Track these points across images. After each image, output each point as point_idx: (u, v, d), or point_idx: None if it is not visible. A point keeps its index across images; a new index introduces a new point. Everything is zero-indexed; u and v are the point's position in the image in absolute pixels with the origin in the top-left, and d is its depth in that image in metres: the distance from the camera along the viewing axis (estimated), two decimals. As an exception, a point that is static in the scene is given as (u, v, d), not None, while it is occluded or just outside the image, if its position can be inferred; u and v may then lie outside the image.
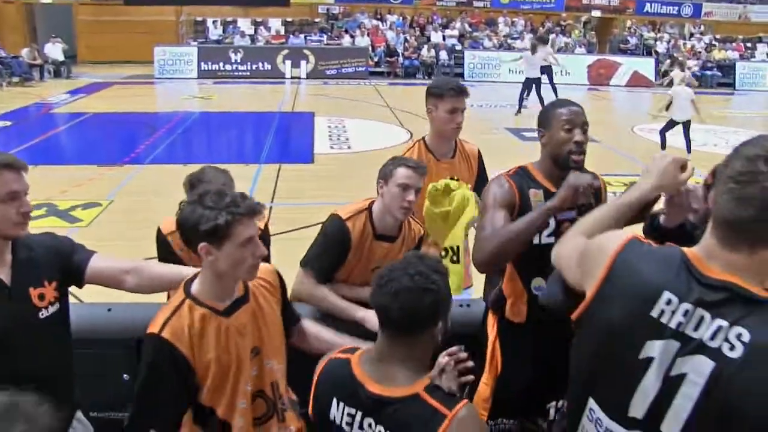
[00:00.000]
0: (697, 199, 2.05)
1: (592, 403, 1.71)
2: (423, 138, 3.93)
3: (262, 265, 2.38)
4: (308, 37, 26.11)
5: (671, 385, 1.54)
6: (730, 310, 1.49)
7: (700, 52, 28.33)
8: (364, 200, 3.38)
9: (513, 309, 2.91)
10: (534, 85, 18.03)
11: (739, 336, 1.47)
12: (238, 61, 24.06)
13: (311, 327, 2.71)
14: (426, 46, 25.75)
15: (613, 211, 2.08)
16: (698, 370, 1.50)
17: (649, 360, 1.57)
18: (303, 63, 24.25)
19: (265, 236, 3.46)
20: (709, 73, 27.38)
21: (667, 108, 13.05)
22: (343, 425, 1.95)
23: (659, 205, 2.20)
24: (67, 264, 2.51)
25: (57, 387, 2.39)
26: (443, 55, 25.88)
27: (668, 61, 24.11)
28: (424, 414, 1.83)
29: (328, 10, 28.48)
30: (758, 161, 1.46)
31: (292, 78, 23.94)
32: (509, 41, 27.31)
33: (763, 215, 1.46)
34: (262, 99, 19.52)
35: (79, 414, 2.67)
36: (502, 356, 2.94)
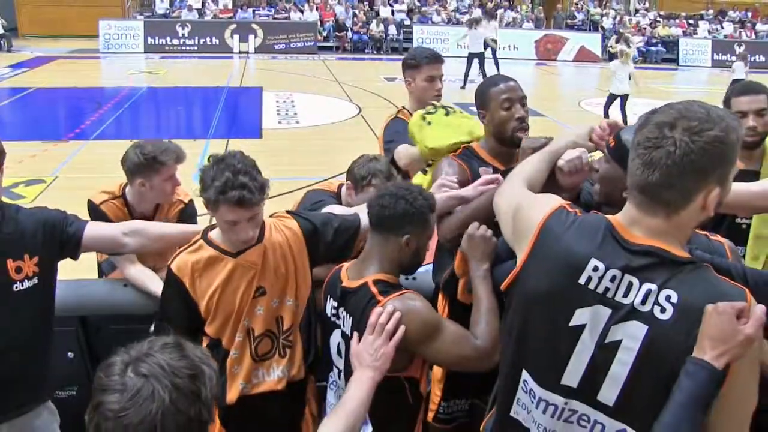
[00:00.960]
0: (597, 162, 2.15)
1: (525, 374, 1.73)
2: (403, 107, 3.92)
3: (286, 217, 2.66)
4: (256, 12, 25.89)
5: (606, 352, 1.57)
6: (656, 273, 1.54)
7: (645, 29, 28.80)
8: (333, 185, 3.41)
9: (464, 290, 2.84)
10: (477, 60, 18.16)
11: (668, 298, 1.51)
12: (186, 35, 23.71)
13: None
14: (375, 21, 25.71)
15: (546, 162, 2.18)
16: (632, 335, 1.54)
17: (581, 327, 1.60)
18: (251, 38, 24.01)
19: (191, 211, 3.50)
20: (653, 48, 27.95)
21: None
22: (330, 316, 2.38)
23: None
24: (61, 236, 2.55)
25: (27, 363, 2.48)
26: (392, 29, 25.87)
27: (614, 36, 24.44)
28: (366, 298, 2.19)
29: (276, -17, 28.13)
30: (664, 128, 1.51)
31: (240, 53, 23.72)
32: (458, 16, 27.37)
33: (669, 180, 1.50)
34: (210, 74, 19.25)
35: (50, 402, 2.69)
36: None
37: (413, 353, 2.22)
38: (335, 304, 2.34)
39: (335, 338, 2.36)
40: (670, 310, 1.51)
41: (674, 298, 1.51)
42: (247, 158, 2.40)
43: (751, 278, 1.71)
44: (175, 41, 23.61)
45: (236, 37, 23.89)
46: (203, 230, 2.58)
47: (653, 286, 1.53)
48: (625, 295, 1.56)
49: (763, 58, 27.69)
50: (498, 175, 2.57)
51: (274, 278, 2.55)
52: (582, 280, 1.60)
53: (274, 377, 2.60)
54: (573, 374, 1.62)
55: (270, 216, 2.69)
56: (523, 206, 1.85)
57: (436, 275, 3.04)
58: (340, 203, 3.20)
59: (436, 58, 3.82)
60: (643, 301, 1.54)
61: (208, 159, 2.43)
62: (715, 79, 19.51)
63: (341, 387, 2.34)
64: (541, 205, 1.77)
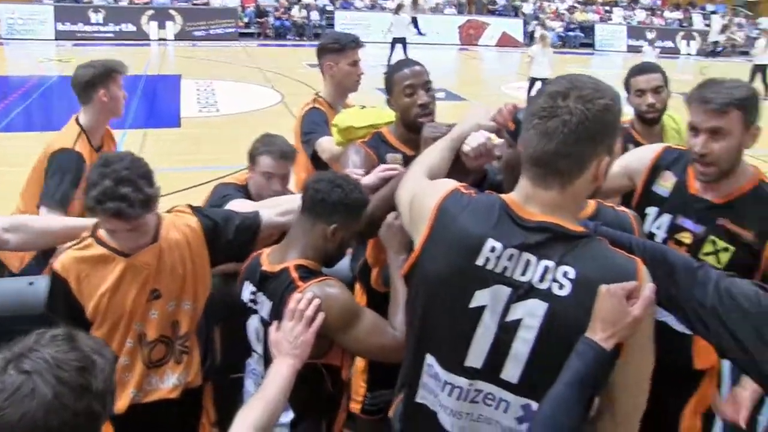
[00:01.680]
0: (499, 147, 2.19)
1: (429, 358, 1.73)
2: (317, 94, 3.87)
3: (185, 213, 2.50)
4: (174, -3, 25.22)
5: (508, 331, 1.59)
6: (553, 250, 1.57)
7: (563, 14, 29.41)
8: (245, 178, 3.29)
9: (378, 278, 2.84)
10: (401, 45, 18.24)
11: (565, 274, 1.55)
12: (100, 21, 22.98)
13: (271, 217, 2.65)
14: (297, 6, 25.50)
15: (449, 149, 2.17)
16: (532, 313, 1.56)
17: (481, 309, 1.61)
18: (169, 24, 23.47)
19: None
20: (571, 33, 28.60)
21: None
22: (248, 302, 2.31)
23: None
24: None
25: None
26: (315, 15, 25.69)
27: (534, 22, 24.88)
28: (285, 283, 2.14)
29: (194, -32, 27.48)
30: (557, 97, 1.53)
31: (158, 40, 23.11)
32: (380, 1, 27.36)
33: (565, 148, 1.53)
34: (126, 62, 18.46)
35: None
36: None
37: (332, 340, 2.20)
38: (254, 289, 2.28)
39: (253, 323, 2.31)
40: (568, 286, 1.54)
41: (571, 274, 1.54)
42: (139, 164, 2.21)
43: (648, 250, 1.74)
44: (88, 28, 22.81)
45: (154, 23, 23.30)
46: (93, 226, 2.39)
47: (550, 263, 1.56)
48: (524, 273, 1.58)
49: (671, 44, 28.74)
50: (397, 165, 2.57)
51: (171, 280, 2.40)
52: (480, 262, 1.60)
53: (168, 385, 2.48)
54: (476, 355, 1.64)
55: (168, 211, 2.53)
56: (419, 194, 1.84)
57: (353, 262, 3.03)
58: (249, 195, 3.12)
59: (358, 42, 3.82)
60: (542, 279, 1.56)
61: (99, 157, 2.25)
62: (629, 63, 19.66)
63: (260, 374, 2.29)
64: (435, 190, 1.77)
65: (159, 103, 13.74)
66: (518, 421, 1.64)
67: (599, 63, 25.29)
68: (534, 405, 1.60)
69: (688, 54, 28.12)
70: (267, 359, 2.21)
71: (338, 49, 3.75)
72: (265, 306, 2.23)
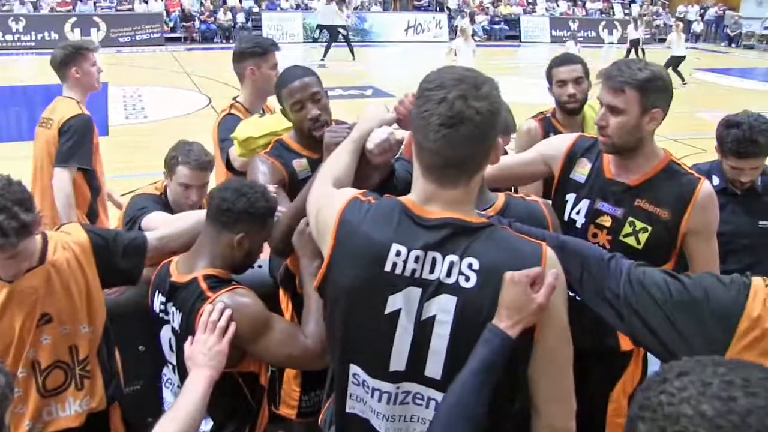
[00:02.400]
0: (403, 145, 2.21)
1: (353, 368, 1.72)
2: (236, 99, 3.86)
3: (73, 231, 2.38)
4: (97, 4, 24.65)
5: (424, 330, 1.61)
6: (456, 244, 1.58)
7: (488, 8, 29.85)
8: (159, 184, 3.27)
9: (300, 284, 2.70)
10: (332, 33, 18.40)
11: (470, 266, 1.57)
12: (21, 30, 22.32)
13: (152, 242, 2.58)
14: (222, 9, 25.28)
15: (352, 151, 2.10)
16: (444, 308, 1.58)
17: (396, 312, 1.62)
18: (94, 31, 22.93)
19: None
20: (497, 26, 29.07)
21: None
22: (159, 312, 2.28)
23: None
24: None
25: None
26: (240, 17, 25.52)
27: (459, 16, 25.24)
28: (195, 294, 2.14)
29: (116, -27, 26.93)
30: (456, 101, 1.53)
31: (82, 47, 22.57)
32: (306, 1, 27.35)
33: (475, 148, 1.57)
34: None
35: None
36: None
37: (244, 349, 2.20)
38: (164, 299, 2.26)
39: (165, 334, 2.30)
40: (473, 277, 1.57)
41: (476, 265, 1.57)
42: (13, 189, 2.06)
43: (561, 244, 1.80)
44: (9, 37, 22.13)
45: (77, 30, 22.72)
46: None
47: (455, 257, 1.58)
48: (431, 271, 1.60)
49: (593, 34, 29.49)
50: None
51: (63, 303, 2.28)
52: (388, 267, 1.61)
53: (70, 412, 2.37)
54: (399, 358, 1.65)
55: (56, 229, 2.43)
56: (321, 206, 1.83)
57: (272, 270, 3.00)
58: (168, 205, 3.11)
59: (277, 46, 3.87)
60: (448, 273, 1.58)
61: None
62: (553, 53, 20.26)
63: (176, 383, 2.31)
64: (334, 201, 1.76)
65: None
66: None
67: (525, 54, 25.82)
68: None
69: (611, 43, 28.86)
70: (181, 369, 2.20)
71: (261, 53, 3.75)
72: (175, 317, 2.21)
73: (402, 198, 1.68)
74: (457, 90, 1.54)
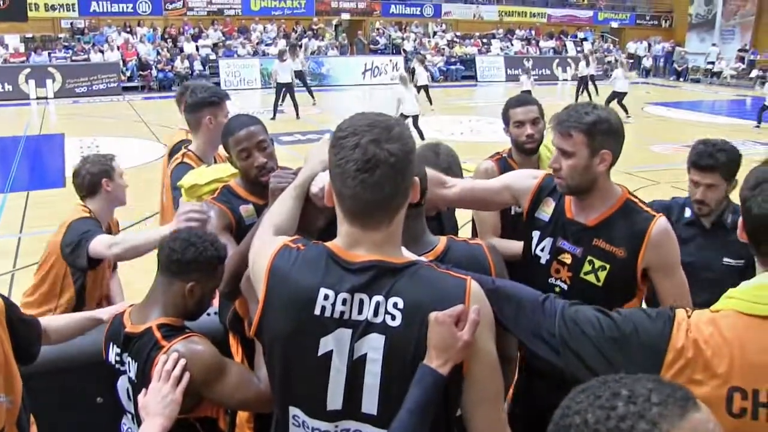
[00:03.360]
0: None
1: (293, 410, 1.76)
2: (188, 149, 3.89)
3: None
4: (52, 54, 24.58)
5: (356, 368, 1.65)
6: (381, 285, 1.63)
7: (443, 49, 30.38)
8: None
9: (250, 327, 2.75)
10: (286, 90, 18.47)
11: (395, 305, 1.62)
12: (-27, 82, 22.13)
13: (52, 322, 2.65)
14: (179, 57, 25.31)
15: (296, 197, 2.10)
16: (374, 346, 1.63)
17: (329, 353, 1.66)
18: (49, 82, 22.83)
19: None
20: (453, 67, 29.63)
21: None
22: (114, 363, 2.31)
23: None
24: None
25: None
26: (197, 65, 25.60)
27: (415, 59, 25.63)
28: (150, 343, 2.17)
29: (72, 24, 26.81)
30: (369, 146, 1.58)
31: (38, 98, 22.43)
32: (263, 47, 27.54)
33: (395, 190, 1.61)
34: (4, 123, 18.10)
35: None
36: None
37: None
38: (119, 350, 2.29)
39: (122, 384, 2.31)
40: (398, 316, 1.62)
41: (400, 304, 1.62)
42: None
43: (496, 289, 1.85)
44: (-39, 89, 21.93)
45: (32, 82, 22.62)
46: None
47: (380, 298, 1.63)
48: (360, 312, 1.64)
49: (548, 72, 30.16)
50: (202, 213, 2.62)
51: None
52: (317, 311, 1.66)
53: None
54: (335, 397, 1.69)
55: None
56: (258, 253, 1.87)
57: (221, 315, 3.01)
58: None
59: (228, 95, 3.90)
60: (375, 313, 1.63)
61: None
62: (509, 92, 20.89)
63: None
64: (266, 251, 1.80)
65: (42, 164, 13.40)
66: None
67: (482, 94, 26.29)
68: None
69: (564, 80, 29.53)
70: (138, 418, 2.19)
71: (217, 102, 3.79)
72: (131, 366, 2.23)
73: (328, 243, 1.73)
74: (369, 135, 1.59)
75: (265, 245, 1.85)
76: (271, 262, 1.75)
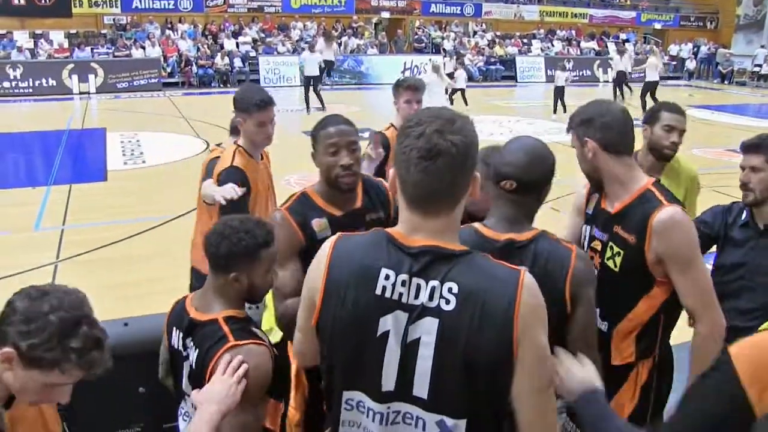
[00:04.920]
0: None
1: (348, 394, 1.78)
2: (237, 143, 3.91)
3: None
4: (95, 50, 24.88)
5: (410, 351, 1.68)
6: (437, 270, 1.67)
7: (483, 48, 30.22)
8: None
9: None
10: (313, 83, 18.64)
11: (450, 290, 1.65)
12: (18, 77, 22.50)
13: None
14: (219, 54, 25.51)
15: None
16: (427, 330, 1.66)
17: (386, 334, 1.69)
18: (91, 77, 23.16)
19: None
20: (493, 67, 29.42)
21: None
22: (179, 347, 2.34)
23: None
24: None
25: None
26: (237, 62, 25.77)
27: (454, 57, 25.53)
28: (215, 336, 2.20)
29: (114, 20, 27.20)
30: (433, 135, 1.64)
31: (80, 93, 22.77)
32: (303, 45, 27.63)
33: (454, 180, 1.66)
34: (47, 117, 18.41)
35: None
36: (308, 380, 2.89)
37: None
38: (182, 335, 2.33)
39: (185, 369, 2.34)
40: (453, 300, 1.65)
41: (455, 289, 1.65)
42: None
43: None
44: (6, 84, 22.26)
45: (75, 77, 22.97)
46: None
47: (436, 282, 1.67)
48: (416, 296, 1.68)
49: (588, 72, 29.84)
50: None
51: None
52: (378, 291, 1.70)
53: None
54: (389, 378, 1.71)
55: None
56: (307, 277, 1.89)
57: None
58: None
59: (265, 105, 3.77)
60: (430, 298, 1.67)
61: None
62: (549, 92, 20.77)
63: (192, 416, 2.30)
64: (322, 248, 1.83)
65: (84, 158, 13.54)
66: None
67: (521, 94, 26.08)
68: (447, 420, 1.69)
69: (606, 81, 29.18)
70: None
71: (244, 108, 3.78)
72: (192, 353, 2.26)
73: (388, 229, 1.77)
74: (433, 125, 1.65)
75: (317, 260, 1.85)
76: (332, 247, 1.80)
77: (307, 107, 18.66)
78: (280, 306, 2.61)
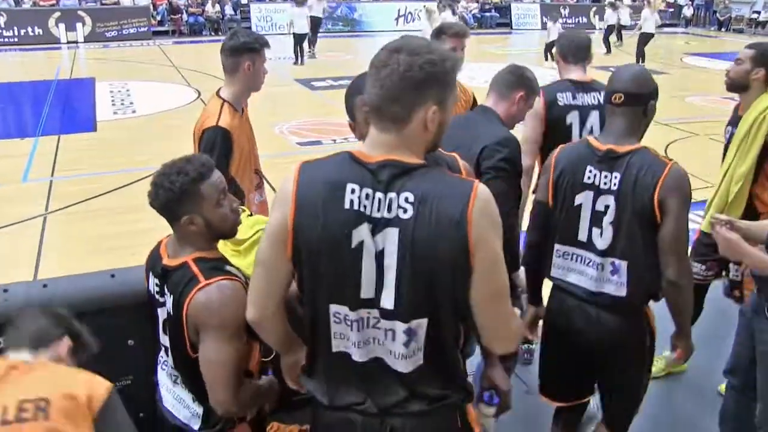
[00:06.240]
0: None
1: (334, 307, 1.83)
2: (219, 96, 3.81)
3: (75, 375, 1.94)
4: (82, -2, 24.37)
5: (379, 262, 1.76)
6: (395, 182, 1.74)
7: (478, -5, 29.75)
8: None
9: None
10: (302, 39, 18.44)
11: (406, 199, 1.73)
12: (2, 26, 22.05)
13: None
14: (210, 2, 25.00)
15: None
16: (390, 240, 1.74)
17: (360, 245, 1.76)
18: (79, 26, 22.72)
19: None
20: (488, 14, 28.98)
21: None
22: (154, 293, 2.32)
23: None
24: None
25: None
26: (228, 9, 25.31)
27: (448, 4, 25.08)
28: (186, 278, 2.17)
29: (101, -33, 26.60)
30: (392, 52, 1.72)
31: (68, 42, 22.37)
32: (294, -7, 27.14)
33: (393, 93, 1.71)
34: (34, 67, 18.12)
35: None
36: None
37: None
38: (157, 281, 2.30)
39: (161, 315, 2.31)
40: (409, 209, 1.72)
41: (411, 198, 1.72)
42: None
43: None
44: (-10, 33, 21.84)
45: (62, 25, 22.52)
46: None
47: (394, 194, 1.74)
48: (378, 209, 1.75)
49: (584, 20, 29.48)
50: None
51: None
52: (347, 205, 1.75)
53: None
54: (366, 287, 1.78)
55: None
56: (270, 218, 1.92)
57: None
58: None
59: (268, 43, 3.83)
60: (389, 209, 1.74)
61: None
62: (544, 40, 20.50)
63: (170, 365, 2.34)
64: (285, 179, 1.85)
65: (73, 108, 13.30)
66: (405, 346, 1.81)
67: (516, 41, 25.77)
68: (412, 324, 1.78)
69: (601, 29, 28.77)
70: (173, 351, 2.25)
71: (257, 49, 3.73)
72: (168, 299, 2.23)
73: (349, 149, 1.84)
74: (396, 45, 1.75)
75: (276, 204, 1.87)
76: (298, 171, 1.82)
77: (296, 58, 18.36)
78: None
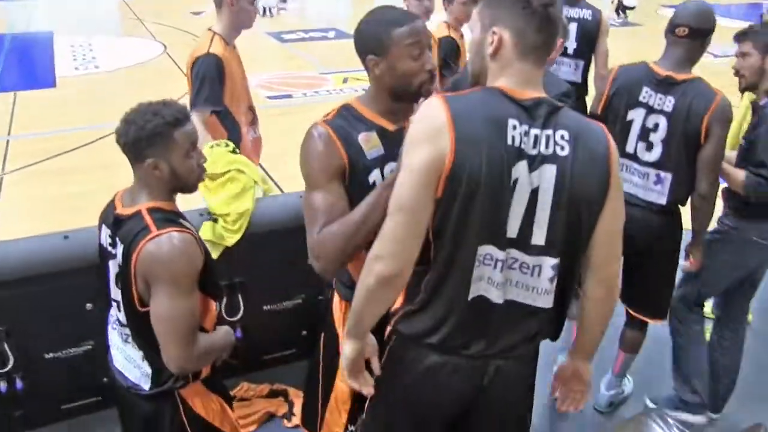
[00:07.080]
0: None
1: (483, 248, 1.78)
2: (211, 30, 3.79)
3: None
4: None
5: (532, 200, 1.76)
6: (550, 120, 1.76)
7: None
8: None
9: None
10: None
11: (562, 137, 1.75)
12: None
13: None
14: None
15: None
16: (546, 177, 1.74)
17: (516, 182, 1.73)
18: (36, -24, 21.85)
19: None
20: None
21: None
22: (106, 245, 2.21)
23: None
24: None
25: None
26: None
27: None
28: (137, 227, 2.06)
29: None
30: None
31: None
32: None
33: (555, 32, 1.78)
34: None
35: None
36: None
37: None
38: (110, 232, 2.18)
39: (112, 268, 2.20)
40: (567, 146, 1.76)
41: (567, 135, 1.76)
42: None
43: None
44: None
45: (17, -24, 21.67)
46: None
47: (550, 132, 1.75)
48: (534, 146, 1.74)
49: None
50: None
51: None
52: (509, 140, 1.72)
53: None
54: (513, 226, 1.77)
55: None
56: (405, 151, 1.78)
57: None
58: None
59: None
60: (546, 146, 1.75)
61: None
62: None
63: (122, 322, 2.23)
64: (430, 109, 1.75)
65: (30, 63, 12.82)
66: (550, 282, 1.85)
67: None
68: (559, 263, 1.83)
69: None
70: (126, 306, 2.15)
71: None
72: (119, 250, 2.12)
73: (494, 84, 1.80)
74: None
75: (418, 127, 1.77)
76: (447, 106, 1.73)
77: (264, 10, 17.81)
78: (315, 235, 2.06)
